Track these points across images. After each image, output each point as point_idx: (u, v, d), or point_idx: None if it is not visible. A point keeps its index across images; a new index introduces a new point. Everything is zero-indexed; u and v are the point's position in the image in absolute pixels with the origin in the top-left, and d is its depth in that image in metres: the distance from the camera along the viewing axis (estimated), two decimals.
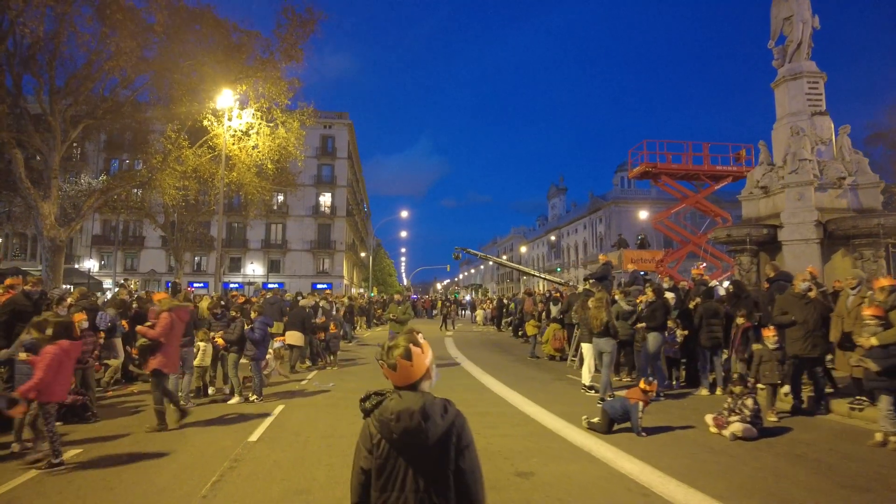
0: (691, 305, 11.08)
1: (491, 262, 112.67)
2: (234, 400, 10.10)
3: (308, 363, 15.15)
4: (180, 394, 9.72)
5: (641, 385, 7.66)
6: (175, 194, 29.27)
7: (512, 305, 27.29)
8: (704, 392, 10.46)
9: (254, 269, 62.39)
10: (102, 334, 11.17)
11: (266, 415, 8.99)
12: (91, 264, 56.91)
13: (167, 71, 22.01)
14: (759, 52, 19.48)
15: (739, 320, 9.95)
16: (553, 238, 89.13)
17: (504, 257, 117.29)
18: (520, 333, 24.66)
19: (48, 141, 19.46)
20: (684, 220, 31.91)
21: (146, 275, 60.31)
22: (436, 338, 25.23)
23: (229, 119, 23.62)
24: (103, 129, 31.02)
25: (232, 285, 59.23)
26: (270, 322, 10.90)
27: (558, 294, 19.33)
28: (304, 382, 12.44)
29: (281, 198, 63.08)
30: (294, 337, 14.24)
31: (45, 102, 19.15)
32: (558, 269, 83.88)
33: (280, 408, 9.61)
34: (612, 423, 7.64)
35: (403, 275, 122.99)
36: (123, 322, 12.37)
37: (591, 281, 15.11)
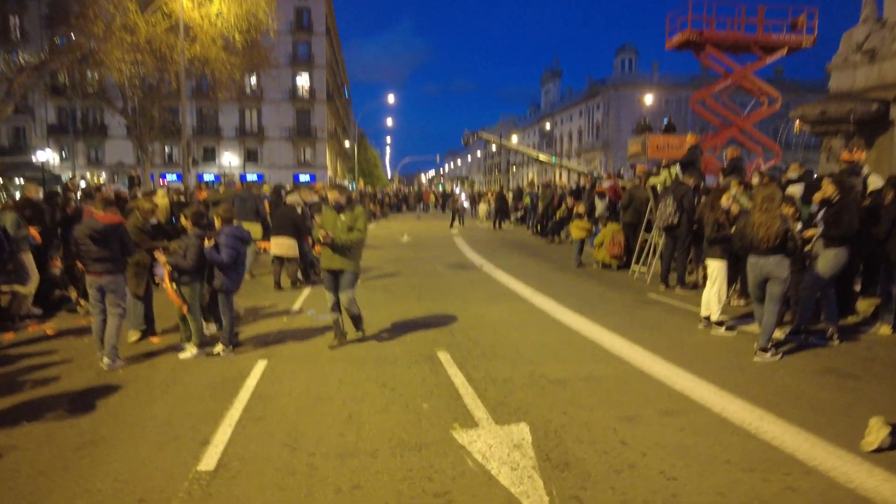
0: (865, 203, 7.56)
1: (492, 147, 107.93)
2: (187, 353, 6.64)
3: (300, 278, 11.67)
4: (100, 352, 6.25)
5: None
6: (126, 70, 25.34)
7: (527, 199, 23.72)
8: (886, 330, 7.17)
9: (229, 159, 57.63)
10: None
11: (234, 391, 5.49)
12: (48, 156, 51.68)
13: None
14: None
15: None
16: (548, 126, 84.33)
17: (493, 147, 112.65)
18: (538, 229, 21.29)
19: None
20: (727, 100, 27.83)
21: (113, 167, 55.56)
22: (443, 237, 21.82)
23: None
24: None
25: (207, 177, 54.89)
26: (245, 235, 7.25)
27: (602, 188, 15.72)
28: (294, 313, 8.98)
29: (254, 80, 57.40)
30: (284, 246, 10.65)
31: None
32: (553, 160, 79.85)
33: (260, 367, 6.17)
34: None
35: (388, 166, 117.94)
36: (32, 230, 8.65)
37: (671, 169, 11.52)
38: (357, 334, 7.24)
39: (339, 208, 6.86)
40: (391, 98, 57.55)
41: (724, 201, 7.45)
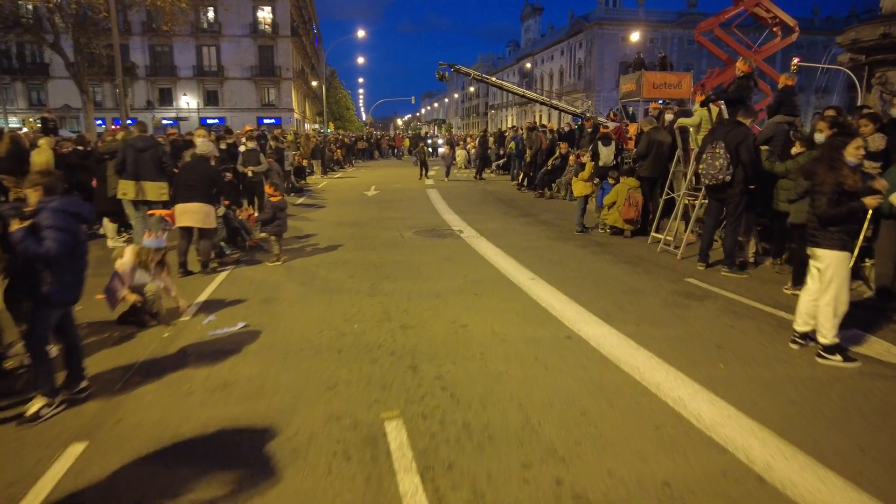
0: None
1: (470, 89, 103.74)
2: (34, 407, 3.85)
3: (218, 257, 8.72)
4: None
5: None
6: None
7: (513, 145, 20.65)
8: None
9: (187, 101, 53.19)
10: None
11: None
12: None
13: None
14: None
15: None
16: (528, 66, 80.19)
17: (472, 88, 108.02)
18: (523, 180, 18.40)
19: None
20: (735, 30, 24.74)
21: (59, 111, 50.88)
22: (416, 190, 18.82)
23: None
24: None
25: (164, 121, 50.65)
26: (83, 209, 4.29)
27: (607, 129, 12.79)
28: (181, 322, 6.07)
29: (211, 13, 52.48)
30: (192, 214, 7.65)
31: None
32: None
33: (64, 464, 3.38)
34: None
35: (362, 109, 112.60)
36: None
37: (711, 107, 8.68)
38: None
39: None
40: (362, 33, 53.07)
41: (852, 153, 4.64)
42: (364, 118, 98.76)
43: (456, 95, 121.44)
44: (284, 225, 8.68)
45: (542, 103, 23.96)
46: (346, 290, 6.99)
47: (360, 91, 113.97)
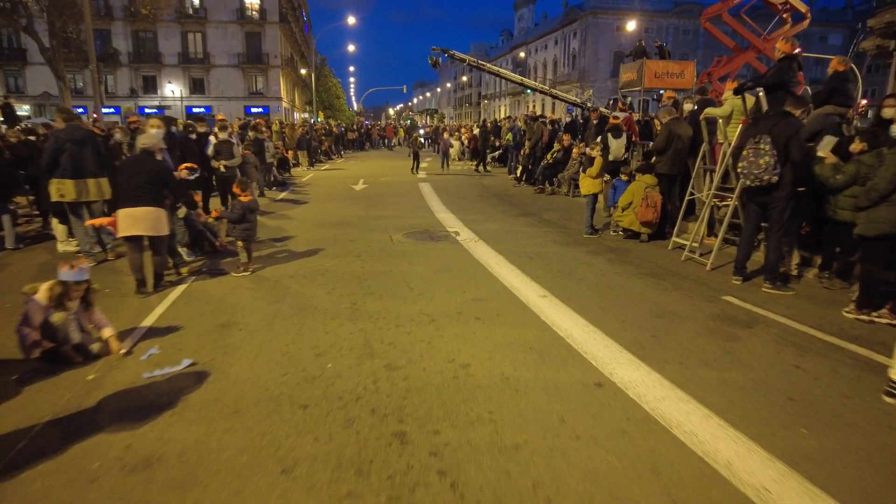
0: None
1: (462, 79, 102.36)
2: None
3: (186, 259, 7.54)
4: None
5: None
6: None
7: (510, 136, 19.42)
8: None
9: (172, 89, 51.55)
10: None
11: None
12: None
13: None
14: None
15: None
16: (522, 55, 78.77)
17: (464, 78, 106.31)
18: (521, 174, 17.23)
19: None
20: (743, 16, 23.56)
21: (38, 98, 49.24)
22: (407, 184, 17.61)
23: None
24: None
25: (148, 110, 49.08)
26: None
27: (616, 120, 11.63)
28: (110, 363, 4.91)
29: None
30: (139, 220, 6.41)
31: None
32: (528, 91, 74.70)
33: None
34: None
35: (353, 98, 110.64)
36: None
37: (745, 95, 7.56)
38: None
39: None
40: (352, 20, 51.55)
41: None
42: (355, 107, 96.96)
43: (448, 85, 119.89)
44: (254, 229, 7.50)
45: (540, 92, 22.74)
46: (321, 312, 5.83)
47: (351, 80, 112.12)
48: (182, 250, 8.19)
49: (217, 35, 51.91)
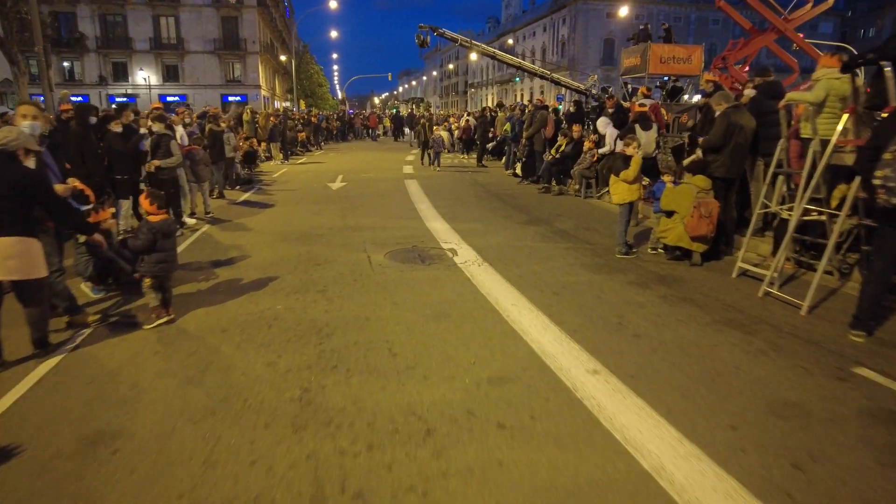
0: None
1: (449, 66, 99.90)
2: None
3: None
4: None
5: None
6: None
7: (507, 127, 17.25)
8: None
9: (144, 77, 48.71)
10: None
11: None
12: None
13: None
14: None
15: None
16: (510, 42, 76.50)
17: (451, 66, 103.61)
18: (516, 171, 15.11)
19: None
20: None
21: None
22: (391, 181, 15.39)
23: None
24: None
25: (119, 99, 46.35)
26: None
27: (643, 107, 9.55)
28: None
29: None
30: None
31: None
32: (517, 80, 72.68)
33: None
34: None
35: (337, 86, 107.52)
36: None
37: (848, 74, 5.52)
38: None
39: None
40: (334, 4, 48.91)
41: None
42: (339, 95, 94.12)
43: (434, 73, 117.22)
44: (172, 260, 5.34)
45: (540, 77, 20.62)
46: (252, 408, 3.73)
47: (335, 67, 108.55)
48: (86, 287, 6.06)
49: (191, 19, 49.15)
